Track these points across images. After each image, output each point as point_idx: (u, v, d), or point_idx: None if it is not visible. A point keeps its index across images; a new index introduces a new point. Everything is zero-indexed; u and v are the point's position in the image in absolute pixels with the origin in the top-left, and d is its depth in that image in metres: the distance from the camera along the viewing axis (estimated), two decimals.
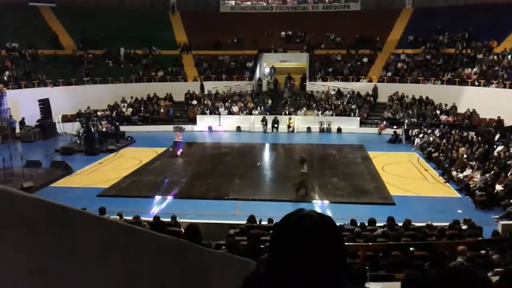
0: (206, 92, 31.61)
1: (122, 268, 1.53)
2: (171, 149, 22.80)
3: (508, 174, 15.89)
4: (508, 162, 16.92)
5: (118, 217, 11.15)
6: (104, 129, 25.80)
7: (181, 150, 22.22)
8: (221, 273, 2.73)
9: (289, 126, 28.67)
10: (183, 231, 7.26)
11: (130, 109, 30.28)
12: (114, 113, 29.60)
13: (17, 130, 26.20)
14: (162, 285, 1.93)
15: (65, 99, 28.47)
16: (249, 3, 39.52)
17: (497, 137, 21.42)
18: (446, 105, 27.82)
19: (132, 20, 34.66)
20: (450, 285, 2.29)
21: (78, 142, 24.01)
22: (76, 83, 30.25)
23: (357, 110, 29.26)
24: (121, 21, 34.20)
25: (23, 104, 26.26)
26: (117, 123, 26.73)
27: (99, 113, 28.98)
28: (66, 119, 28.24)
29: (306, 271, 1.10)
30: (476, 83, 27.45)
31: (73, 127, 26.68)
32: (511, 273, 2.57)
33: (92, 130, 23.67)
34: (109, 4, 36.53)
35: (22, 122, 26.30)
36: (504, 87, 25.78)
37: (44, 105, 26.72)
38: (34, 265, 1.16)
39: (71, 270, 1.29)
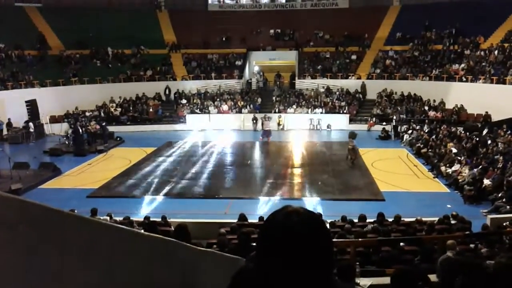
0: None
1: (107, 267, 1.51)
2: (261, 137, 25.27)
3: (496, 168, 16.07)
4: (496, 157, 17.09)
5: (108, 218, 11.08)
6: (92, 130, 25.58)
7: (271, 136, 25.18)
8: (210, 271, 2.71)
9: (279, 124, 28.71)
10: (173, 231, 7.22)
11: (119, 109, 30.08)
12: (102, 113, 29.39)
13: (4, 132, 25.90)
14: (150, 284, 1.91)
15: (52, 99, 28.19)
16: (237, 1, 39.41)
17: (485, 132, 21.66)
18: (434, 101, 28.03)
19: (119, 19, 34.41)
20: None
21: (67, 143, 23.80)
22: (64, 83, 29.96)
23: (346, 107, 29.38)
24: (109, 21, 33.95)
25: (10, 105, 25.95)
26: (104, 123, 26.50)
27: (87, 114, 28.76)
28: (54, 120, 27.97)
29: (294, 268, 1.09)
30: (464, 79, 27.70)
31: (61, 128, 26.47)
32: (501, 267, 2.59)
33: (81, 130, 23.46)
34: (97, 4, 36.21)
35: (9, 124, 26.00)
36: (491, 82, 26.06)
37: (32, 106, 26.45)
38: (16, 265, 1.13)
39: (55, 270, 1.26)
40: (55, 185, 17.62)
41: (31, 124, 25.84)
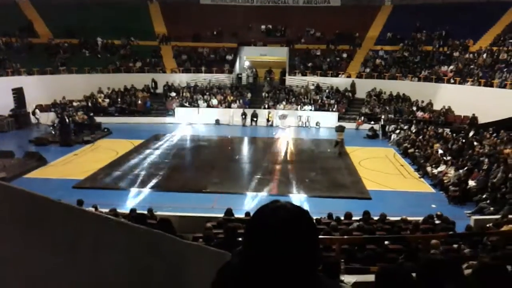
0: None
1: (93, 257, 1.49)
2: (274, 134, 25.77)
3: (481, 170, 16.26)
4: (481, 159, 17.30)
5: (93, 209, 10.99)
6: (79, 120, 25.33)
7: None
8: (195, 264, 2.71)
9: (268, 120, 28.72)
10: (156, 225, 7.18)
11: (107, 100, 29.80)
12: (90, 103, 29.08)
13: None
14: (135, 274, 1.90)
15: (39, 88, 27.81)
16: None
17: (471, 134, 21.90)
18: (422, 101, 28.27)
19: (110, 9, 34.03)
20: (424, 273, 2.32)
21: (53, 132, 23.52)
22: (52, 72, 29.58)
23: (335, 105, 29.48)
24: (99, 11, 33.57)
25: None
26: (92, 114, 26.24)
27: (74, 104, 28.45)
28: (41, 109, 27.62)
29: (280, 262, 1.08)
30: (452, 81, 27.98)
31: (48, 118, 26.15)
32: (484, 267, 2.62)
33: (67, 120, 23.20)
34: None
35: None
36: (479, 85, 26.34)
37: (18, 94, 26.07)
38: (2, 253, 1.12)
39: (40, 258, 1.24)
40: (40, 175, 17.43)
41: (37, 110, 26.72)
